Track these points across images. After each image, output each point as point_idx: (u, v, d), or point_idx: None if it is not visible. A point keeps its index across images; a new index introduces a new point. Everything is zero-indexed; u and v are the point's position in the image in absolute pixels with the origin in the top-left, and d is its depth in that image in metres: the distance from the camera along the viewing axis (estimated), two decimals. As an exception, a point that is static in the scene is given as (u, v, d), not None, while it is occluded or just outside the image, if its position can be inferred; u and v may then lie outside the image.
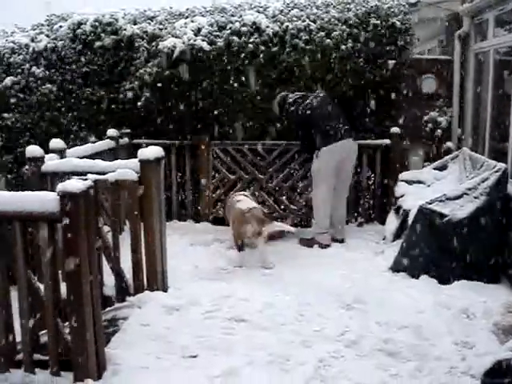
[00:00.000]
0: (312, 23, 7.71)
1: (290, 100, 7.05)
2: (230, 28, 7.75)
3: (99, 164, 5.18)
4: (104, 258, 4.71)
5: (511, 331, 4.29)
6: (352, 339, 4.23)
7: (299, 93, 7.15)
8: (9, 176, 8.33)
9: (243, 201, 6.45)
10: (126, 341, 4.13)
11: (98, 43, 8.21)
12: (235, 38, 7.64)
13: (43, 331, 3.73)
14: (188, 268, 5.93)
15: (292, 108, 7.00)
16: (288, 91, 7.30)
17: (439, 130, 7.80)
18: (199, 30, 7.84)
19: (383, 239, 6.83)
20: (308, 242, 6.96)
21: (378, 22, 7.60)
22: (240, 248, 6.23)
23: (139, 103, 7.92)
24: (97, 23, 8.29)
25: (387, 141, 7.61)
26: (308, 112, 6.85)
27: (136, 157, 4.86)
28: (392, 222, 6.79)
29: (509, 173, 5.65)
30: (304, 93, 7.15)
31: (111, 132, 7.50)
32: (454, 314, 4.72)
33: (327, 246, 6.87)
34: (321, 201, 6.93)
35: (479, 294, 5.12)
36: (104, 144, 7.20)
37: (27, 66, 8.45)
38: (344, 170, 6.98)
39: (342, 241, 7.04)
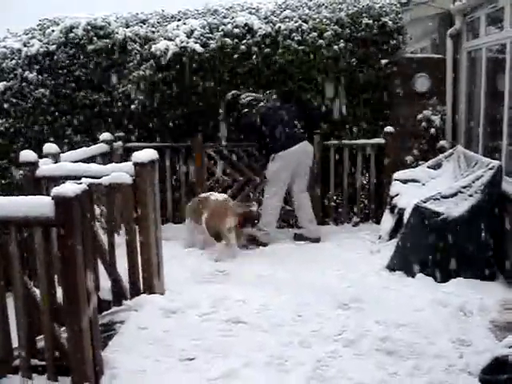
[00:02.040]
0: (304, 24, 7.72)
1: (244, 101, 7.14)
2: (223, 30, 7.75)
3: (93, 168, 5.16)
4: (100, 262, 4.70)
5: (508, 328, 4.30)
6: (350, 339, 4.23)
7: (251, 94, 7.21)
8: (3, 181, 8.30)
9: (214, 195, 6.75)
10: (123, 344, 4.12)
11: (90, 47, 8.19)
12: (228, 40, 7.64)
13: (40, 336, 3.71)
14: (184, 271, 5.92)
15: (246, 110, 7.08)
16: (238, 91, 7.41)
17: (433, 129, 7.80)
18: (192, 32, 7.83)
19: (379, 238, 6.84)
20: (302, 238, 7.12)
21: (370, 21, 7.62)
22: (219, 239, 6.44)
23: (133, 106, 7.91)
24: (89, 27, 8.28)
25: (381, 140, 7.62)
26: (264, 116, 6.95)
27: (130, 160, 4.85)
28: (387, 221, 6.80)
29: (503, 170, 5.66)
30: (256, 94, 7.23)
31: (105, 136, 7.48)
32: (451, 312, 4.73)
33: (265, 244, 6.98)
34: (272, 204, 7.07)
35: (475, 291, 5.13)
36: (98, 148, 7.18)
37: (20, 70, 8.43)
38: (301, 172, 7.11)
39: (317, 240, 7.10)
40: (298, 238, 7.18)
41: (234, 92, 7.27)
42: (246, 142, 7.74)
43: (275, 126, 6.89)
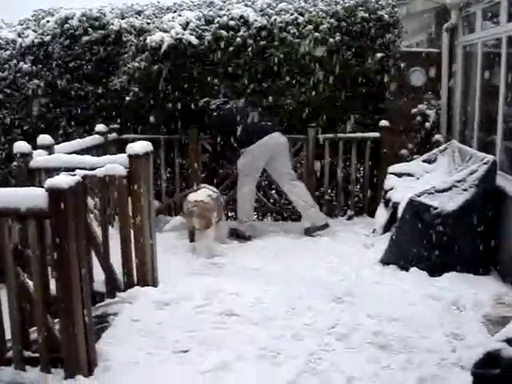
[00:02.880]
0: (300, 16, 7.70)
1: (213, 106, 7.27)
2: (218, 22, 7.73)
3: (88, 159, 5.14)
4: (94, 254, 4.70)
5: (501, 322, 4.30)
6: (343, 332, 4.24)
7: (221, 99, 7.30)
8: (-3, 172, 8.28)
9: (197, 193, 6.59)
10: (116, 337, 4.12)
11: (85, 38, 8.16)
12: (223, 32, 7.61)
13: (33, 328, 3.71)
14: (178, 263, 5.92)
15: (215, 113, 7.23)
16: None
17: (428, 123, 7.81)
18: (187, 24, 7.79)
19: (373, 232, 6.84)
20: (312, 230, 7.11)
21: (366, 15, 7.59)
22: (191, 238, 6.62)
23: (127, 98, 7.88)
24: (84, 18, 8.25)
25: (376, 134, 7.62)
26: (229, 115, 7.06)
27: (125, 152, 4.84)
28: (381, 214, 6.81)
29: (497, 165, 5.67)
30: (225, 99, 7.29)
31: (100, 127, 7.45)
32: (444, 306, 4.74)
33: (250, 237, 7.02)
34: (244, 194, 7.10)
35: (469, 285, 5.14)
36: (92, 139, 7.16)
37: (14, 61, 8.40)
38: (278, 164, 7.13)
39: (326, 226, 7.10)
40: (308, 232, 7.13)
41: (205, 100, 7.48)
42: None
43: (240, 123, 6.96)
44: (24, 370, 3.63)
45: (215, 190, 6.95)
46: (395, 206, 6.16)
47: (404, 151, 7.84)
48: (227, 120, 7.07)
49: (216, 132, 7.29)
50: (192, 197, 6.46)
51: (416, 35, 10.52)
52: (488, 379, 2.74)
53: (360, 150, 7.70)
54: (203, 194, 6.52)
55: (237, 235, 7.06)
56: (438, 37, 8.30)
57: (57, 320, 3.56)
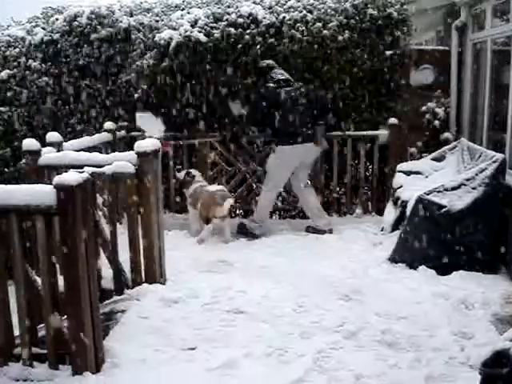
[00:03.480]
0: (309, 14, 7.68)
1: (274, 76, 6.95)
2: (227, 19, 7.71)
3: (96, 157, 5.16)
4: (102, 251, 4.71)
5: (510, 321, 4.29)
6: (351, 330, 4.23)
7: (284, 74, 7.05)
8: (6, 169, 8.29)
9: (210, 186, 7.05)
10: (124, 334, 4.13)
11: (94, 35, 8.16)
12: (232, 30, 7.59)
13: (41, 325, 3.72)
14: (186, 260, 5.92)
15: (272, 85, 6.88)
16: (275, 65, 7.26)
17: (437, 121, 7.78)
18: (196, 21, 7.79)
19: (381, 230, 6.81)
20: (315, 230, 7.08)
21: (375, 12, 7.56)
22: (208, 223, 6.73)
23: (136, 95, 7.89)
24: (93, 15, 8.24)
25: (385, 131, 7.59)
26: (284, 100, 6.81)
27: (133, 149, 4.85)
28: (390, 212, 6.78)
29: (507, 163, 5.64)
30: (288, 77, 7.06)
31: (108, 125, 7.48)
32: (453, 305, 4.73)
33: (258, 236, 6.98)
34: (269, 198, 7.08)
35: (478, 284, 5.12)
36: (101, 137, 7.18)
37: (23, 59, 8.41)
38: (304, 170, 7.13)
39: (330, 231, 7.07)
40: (309, 230, 7.15)
41: (269, 62, 7.13)
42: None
43: (289, 115, 6.80)
44: (32, 366, 3.64)
45: (220, 186, 7.13)
46: (404, 204, 6.13)
47: (413, 149, 7.82)
48: (279, 104, 6.80)
49: (257, 108, 6.98)
50: (212, 187, 6.88)
51: (425, 33, 10.51)
52: (496, 378, 2.72)
53: (368, 147, 7.67)
54: (215, 186, 6.95)
55: (246, 231, 7.05)
56: (448, 35, 8.27)
57: (65, 317, 3.57)
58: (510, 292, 5.01)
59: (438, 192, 5.64)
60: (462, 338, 4.18)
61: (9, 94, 8.35)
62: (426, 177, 6.81)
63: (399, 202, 6.45)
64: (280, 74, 6.99)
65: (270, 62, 7.14)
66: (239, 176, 7.86)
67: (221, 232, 6.86)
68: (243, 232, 7.07)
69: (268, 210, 7.20)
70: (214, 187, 6.94)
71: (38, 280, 3.62)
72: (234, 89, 7.64)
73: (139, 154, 4.78)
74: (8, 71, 8.37)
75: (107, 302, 4.68)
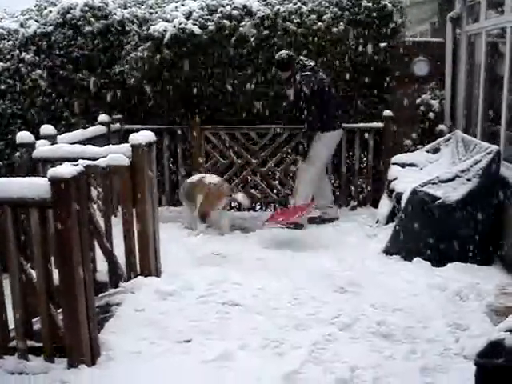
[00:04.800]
0: (303, 6, 7.66)
1: (306, 63, 6.89)
2: (221, 11, 7.69)
3: (90, 150, 5.14)
4: (96, 244, 4.70)
5: (504, 312, 4.30)
6: (346, 322, 4.24)
7: (306, 60, 7.00)
8: (0, 163, 8.27)
9: (208, 177, 7.00)
10: (119, 326, 4.13)
11: (87, 28, 8.14)
12: (226, 22, 7.58)
13: (36, 318, 3.71)
14: (181, 253, 5.91)
15: (309, 73, 6.78)
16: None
17: (431, 113, 7.79)
18: (190, 13, 7.77)
19: (376, 222, 6.83)
20: (324, 219, 7.16)
21: (370, 4, 7.55)
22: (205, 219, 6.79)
23: (130, 87, 7.87)
24: (86, 8, 8.21)
25: (380, 124, 7.59)
26: (323, 89, 6.82)
27: (128, 142, 4.84)
28: (385, 205, 6.80)
29: (501, 155, 5.65)
30: (313, 63, 7.01)
31: (103, 117, 7.45)
32: (448, 296, 4.74)
33: (334, 219, 7.13)
34: (311, 180, 7.01)
35: (472, 275, 5.14)
36: (95, 130, 7.15)
37: (17, 51, 8.37)
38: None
39: (336, 219, 7.15)
40: (317, 221, 7.17)
41: (286, 51, 6.99)
42: (242, 125, 7.75)
43: (329, 103, 6.86)
44: (27, 359, 3.64)
45: (218, 178, 7.08)
46: (399, 196, 6.14)
47: (408, 141, 7.83)
48: (319, 94, 6.77)
49: (298, 100, 6.90)
50: (208, 179, 6.87)
51: (420, 25, 10.50)
52: (491, 369, 2.73)
53: (363, 139, 7.67)
54: (213, 177, 6.96)
55: (323, 220, 7.13)
56: (442, 26, 8.26)
57: (60, 310, 3.57)
58: (505, 283, 5.03)
59: (433, 184, 5.65)
60: (456, 329, 4.19)
61: (2, 87, 8.31)
62: (421, 169, 6.83)
63: (394, 194, 6.46)
64: (306, 60, 6.98)
65: (286, 52, 7.01)
66: (234, 168, 7.85)
67: (216, 224, 6.87)
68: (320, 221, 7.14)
69: (310, 190, 7.08)
70: (213, 179, 6.93)
71: (33, 273, 3.61)
72: (227, 81, 7.61)
73: (134, 147, 4.77)
74: (1, 64, 8.33)
75: (102, 294, 4.67)
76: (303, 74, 6.79)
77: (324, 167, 7.22)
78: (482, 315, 4.40)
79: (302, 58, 7.00)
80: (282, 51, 7.00)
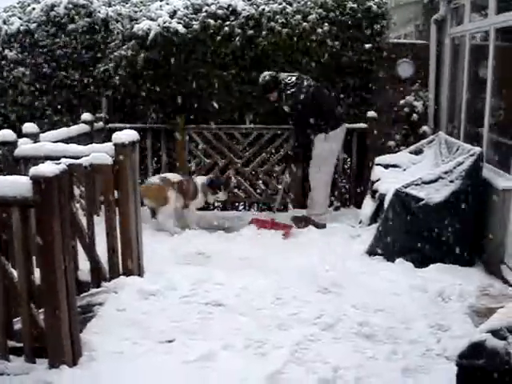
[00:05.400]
0: (288, 6, 7.67)
1: (288, 81, 6.86)
2: (206, 11, 7.67)
3: (73, 148, 5.11)
4: (79, 243, 4.67)
5: (486, 313, 4.32)
6: (328, 322, 4.25)
7: (290, 74, 7.01)
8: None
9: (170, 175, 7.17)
10: (102, 326, 4.10)
11: (71, 26, 8.10)
12: (211, 21, 7.56)
13: (17, 318, 3.68)
14: (164, 253, 5.89)
15: (293, 90, 6.80)
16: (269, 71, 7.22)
17: (415, 115, 7.83)
18: (175, 12, 7.75)
19: (359, 223, 6.86)
20: (303, 222, 7.02)
21: (355, 5, 7.57)
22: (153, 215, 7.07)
23: (114, 85, 7.83)
24: (70, 5, 8.17)
25: (363, 125, 7.62)
26: (315, 94, 6.81)
27: (111, 141, 4.81)
28: (368, 205, 6.82)
29: (484, 157, 5.68)
30: (296, 74, 7.02)
31: (86, 116, 7.41)
32: (430, 297, 4.77)
33: (324, 226, 6.93)
34: (324, 183, 7.01)
35: (454, 277, 5.17)
36: (78, 128, 7.11)
37: (-1, 49, 8.32)
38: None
39: (323, 226, 7.05)
40: (297, 221, 7.10)
41: (269, 73, 6.95)
42: (227, 125, 7.74)
43: (326, 104, 6.87)
44: (8, 359, 3.60)
45: (178, 175, 7.16)
46: (382, 197, 6.17)
47: (391, 142, 7.86)
48: (313, 100, 6.77)
49: (298, 114, 6.94)
50: (172, 177, 7.05)
51: (404, 26, 10.54)
52: (472, 370, 2.75)
53: (347, 140, 7.68)
54: (156, 178, 7.07)
55: (309, 223, 6.99)
56: (427, 28, 8.30)
57: (41, 310, 3.54)
58: (486, 284, 5.07)
59: (416, 185, 5.68)
60: (438, 330, 4.22)
61: (-16, 84, 8.25)
62: (404, 170, 6.86)
63: (377, 194, 6.49)
64: (286, 76, 6.95)
65: (267, 73, 6.98)
66: (217, 168, 7.83)
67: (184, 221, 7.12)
68: (305, 225, 6.98)
69: (326, 194, 7.09)
70: (176, 176, 7.09)
71: (14, 272, 3.58)
72: (212, 81, 7.60)
73: (117, 146, 4.74)
74: (-17, 61, 8.27)
75: (84, 294, 4.64)
76: (288, 93, 6.83)
77: (333, 167, 7.17)
78: (464, 316, 4.43)
79: (282, 75, 6.95)
80: (264, 73, 6.99)
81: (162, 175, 7.14)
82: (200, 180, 7.15)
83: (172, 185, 6.87)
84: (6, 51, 8.27)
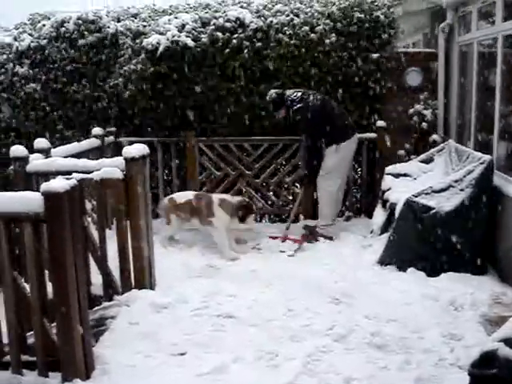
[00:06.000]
0: (296, 18, 7.70)
1: (294, 97, 6.89)
2: (214, 24, 7.73)
3: (84, 163, 5.15)
4: (91, 257, 4.69)
5: (498, 322, 4.30)
6: (341, 333, 4.24)
7: (295, 89, 7.05)
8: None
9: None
10: (114, 340, 4.12)
11: (81, 41, 8.19)
12: (219, 34, 7.61)
13: (30, 332, 3.70)
14: (175, 266, 5.89)
15: (300, 105, 6.82)
16: (274, 88, 7.24)
17: (424, 123, 7.82)
18: (183, 26, 7.80)
19: (371, 233, 6.83)
20: (310, 235, 6.96)
21: (362, 15, 7.59)
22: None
23: (124, 99, 7.89)
24: (80, 21, 8.25)
25: (373, 134, 7.62)
26: (322, 107, 6.83)
27: (121, 155, 4.84)
28: (379, 215, 6.80)
29: (494, 165, 5.66)
30: (301, 89, 7.05)
31: (96, 130, 7.45)
32: (442, 306, 4.75)
33: (331, 238, 6.90)
34: (333, 195, 6.99)
35: (466, 285, 5.14)
36: (89, 143, 7.15)
37: (11, 65, 8.42)
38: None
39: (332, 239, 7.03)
40: (317, 235, 6.99)
41: (275, 91, 7.02)
42: (236, 137, 7.76)
43: (334, 116, 6.89)
44: (21, 374, 3.63)
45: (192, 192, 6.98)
46: (392, 206, 6.15)
47: (401, 151, 7.84)
48: (321, 113, 6.81)
49: (305, 128, 7.00)
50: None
51: (412, 35, 10.55)
52: (485, 379, 2.74)
53: (357, 150, 7.68)
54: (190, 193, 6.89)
55: (317, 235, 6.96)
56: (434, 37, 8.30)
57: (54, 324, 3.56)
58: (499, 293, 5.04)
59: (426, 194, 5.67)
60: (451, 339, 4.20)
61: (-4, 100, 8.33)
62: (415, 179, 6.84)
63: (388, 204, 6.47)
64: (291, 92, 6.97)
65: (274, 91, 7.04)
66: (228, 180, 7.85)
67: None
68: (315, 236, 6.95)
69: (336, 206, 7.11)
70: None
71: (27, 287, 3.61)
72: (221, 93, 7.64)
73: (127, 160, 4.77)
74: (-5, 78, 8.36)
75: (97, 308, 4.67)
76: (295, 108, 6.85)
77: (344, 179, 7.17)
78: (477, 325, 4.41)
79: (287, 92, 6.97)
80: (271, 91, 7.04)
81: (195, 192, 6.96)
82: (231, 199, 6.69)
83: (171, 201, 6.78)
84: (18, 67, 8.36)
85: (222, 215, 6.48)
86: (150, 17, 8.68)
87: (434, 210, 5.52)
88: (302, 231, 7.05)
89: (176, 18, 8.05)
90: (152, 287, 5.05)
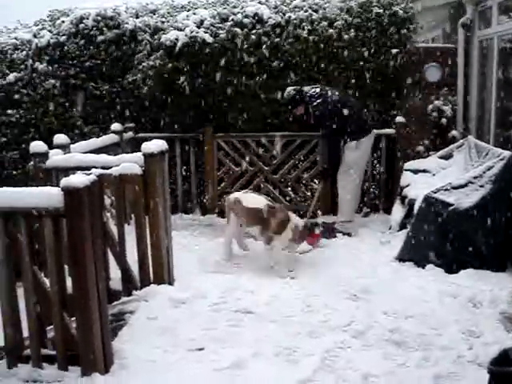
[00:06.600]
0: (314, 13, 7.68)
1: (312, 93, 6.85)
2: (233, 19, 7.73)
3: (103, 158, 5.17)
4: (110, 252, 4.72)
5: (518, 319, 4.28)
6: (359, 329, 4.23)
7: (312, 86, 7.00)
8: (14, 172, 8.34)
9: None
10: (133, 335, 4.14)
11: (100, 37, 8.23)
12: (238, 30, 7.61)
13: (50, 326, 3.74)
14: (194, 261, 5.93)
15: (319, 101, 6.79)
16: (292, 84, 7.23)
17: (444, 119, 7.76)
18: (201, 22, 7.82)
19: (389, 229, 6.81)
20: (329, 232, 6.89)
21: (381, 10, 7.55)
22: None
23: (142, 95, 7.92)
24: (99, 17, 8.29)
25: (392, 130, 7.58)
26: (341, 103, 6.80)
27: (140, 151, 4.86)
28: (398, 211, 6.78)
29: (514, 160, 5.62)
30: (318, 85, 7.01)
31: (115, 126, 7.49)
32: (461, 303, 4.72)
33: (349, 234, 6.88)
34: (353, 191, 6.98)
35: (486, 282, 5.11)
36: (108, 138, 7.20)
37: (30, 61, 8.47)
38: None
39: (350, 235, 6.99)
40: (336, 231, 6.97)
41: (293, 88, 6.95)
42: (255, 133, 7.75)
43: (353, 112, 6.86)
44: (41, 367, 3.67)
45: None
46: (411, 202, 6.13)
47: (420, 147, 7.80)
48: (341, 109, 6.78)
49: (325, 124, 6.95)
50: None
51: (431, 31, 10.46)
52: (505, 376, 2.72)
53: (375, 146, 7.65)
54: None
55: (336, 232, 6.94)
56: (454, 32, 8.24)
57: (73, 318, 3.59)
58: (518, 290, 5.00)
59: (445, 190, 5.63)
60: (470, 336, 4.17)
61: (16, 96, 8.40)
62: (434, 175, 6.80)
63: (407, 200, 6.45)
64: (309, 88, 6.92)
65: (292, 88, 6.96)
66: (246, 176, 7.85)
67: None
68: (334, 233, 6.92)
69: (355, 202, 7.12)
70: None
71: (47, 282, 3.64)
72: (240, 89, 7.64)
73: (146, 156, 4.79)
74: (15, 74, 8.43)
75: (115, 303, 4.69)
76: (314, 104, 6.79)
77: (362, 175, 7.15)
78: (496, 322, 4.38)
79: (305, 89, 6.91)
80: (288, 88, 6.98)
81: (268, 202, 5.99)
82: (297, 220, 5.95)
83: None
84: (37, 64, 8.41)
85: (290, 236, 5.78)
86: (168, 13, 8.71)
87: (453, 207, 5.49)
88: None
89: (194, 13, 8.07)
90: (171, 282, 5.07)
